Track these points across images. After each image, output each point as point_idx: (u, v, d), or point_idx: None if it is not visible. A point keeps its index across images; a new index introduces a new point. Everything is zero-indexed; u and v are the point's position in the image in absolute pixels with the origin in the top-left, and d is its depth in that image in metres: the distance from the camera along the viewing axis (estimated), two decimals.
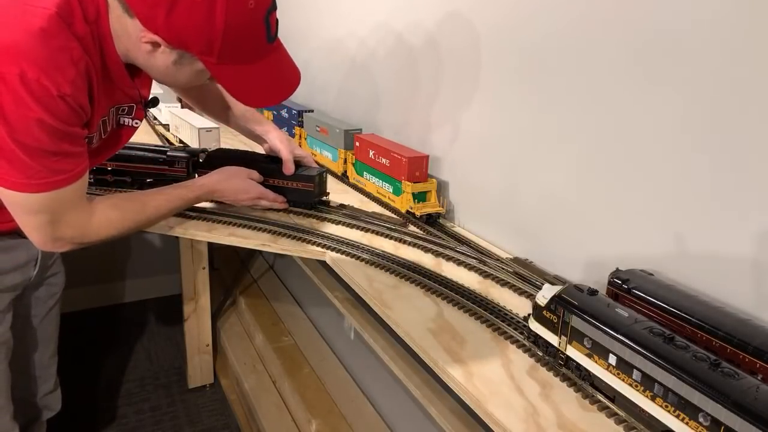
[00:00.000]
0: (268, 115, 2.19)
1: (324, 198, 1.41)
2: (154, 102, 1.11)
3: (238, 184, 1.28)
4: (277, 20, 0.94)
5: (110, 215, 1.03)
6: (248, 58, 0.91)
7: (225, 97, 1.38)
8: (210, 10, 0.82)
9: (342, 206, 1.42)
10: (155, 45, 0.88)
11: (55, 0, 0.82)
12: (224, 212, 1.32)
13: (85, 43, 0.86)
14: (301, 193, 1.36)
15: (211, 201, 1.33)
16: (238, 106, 1.40)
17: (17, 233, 1.04)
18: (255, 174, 1.31)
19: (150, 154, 1.45)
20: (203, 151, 1.46)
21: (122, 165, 1.43)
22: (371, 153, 1.48)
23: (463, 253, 1.17)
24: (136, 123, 1.10)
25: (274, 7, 0.91)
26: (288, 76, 1.00)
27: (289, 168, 1.33)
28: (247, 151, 1.48)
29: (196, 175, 1.46)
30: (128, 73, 0.96)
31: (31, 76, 0.79)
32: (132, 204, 1.09)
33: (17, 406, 1.20)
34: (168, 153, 1.44)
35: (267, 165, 1.38)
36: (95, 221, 0.99)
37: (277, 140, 1.36)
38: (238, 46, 0.89)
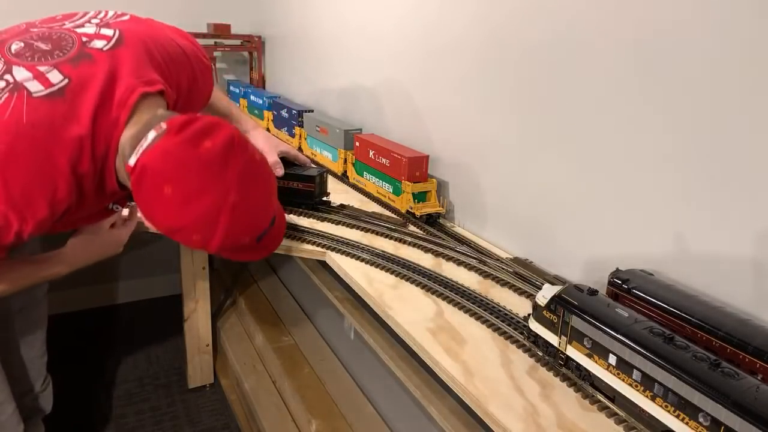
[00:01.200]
0: (268, 116, 2.20)
1: (325, 198, 1.41)
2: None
3: (102, 245, 1.14)
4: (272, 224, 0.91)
5: None
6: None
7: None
8: (205, 243, 0.81)
9: (342, 206, 1.42)
10: None
11: (72, 139, 0.80)
12: None
13: (84, 181, 0.84)
14: (302, 193, 1.36)
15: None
16: (219, 103, 1.36)
17: None
18: (113, 217, 1.14)
19: None
20: None
21: None
22: (371, 153, 1.48)
23: (463, 253, 1.17)
24: (117, 208, 1.07)
25: (270, 227, 0.89)
26: (268, 245, 0.98)
27: (277, 172, 1.31)
28: None
29: None
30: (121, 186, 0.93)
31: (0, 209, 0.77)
32: None
33: None
34: None
35: None
36: None
37: (261, 141, 1.33)
38: (229, 253, 0.89)
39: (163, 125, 0.78)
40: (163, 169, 0.77)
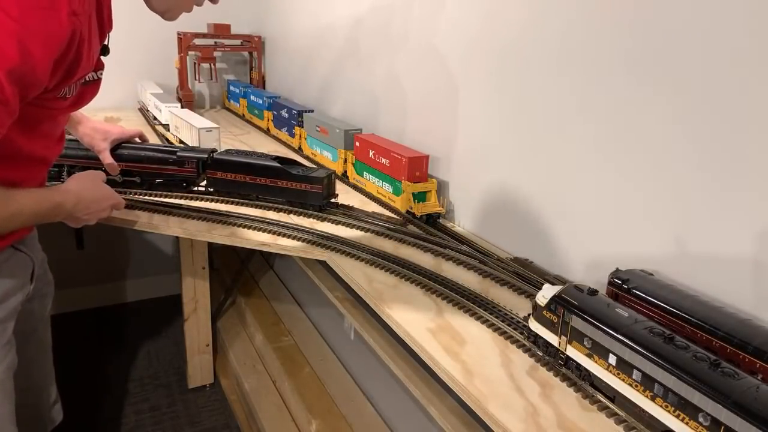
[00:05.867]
0: (268, 115, 2.19)
1: (332, 200, 1.41)
2: (106, 50, 1.06)
3: (99, 191, 1.15)
4: None
5: None
6: None
7: None
8: None
9: (342, 206, 1.42)
10: None
11: None
12: (224, 212, 1.32)
13: None
14: (310, 194, 1.36)
15: (64, 219, 1.10)
16: None
17: (10, 246, 1.03)
18: (103, 174, 1.20)
19: (159, 155, 1.44)
20: (213, 151, 1.46)
21: (131, 165, 1.43)
22: (371, 153, 1.48)
23: (463, 253, 1.17)
24: (101, 74, 1.06)
25: None
26: None
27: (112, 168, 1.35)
28: (252, 153, 1.47)
29: (205, 176, 1.46)
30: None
31: None
32: None
33: (25, 425, 1.14)
34: (178, 153, 1.44)
35: (273, 166, 1.38)
36: None
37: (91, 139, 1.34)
38: None
39: None
40: None
